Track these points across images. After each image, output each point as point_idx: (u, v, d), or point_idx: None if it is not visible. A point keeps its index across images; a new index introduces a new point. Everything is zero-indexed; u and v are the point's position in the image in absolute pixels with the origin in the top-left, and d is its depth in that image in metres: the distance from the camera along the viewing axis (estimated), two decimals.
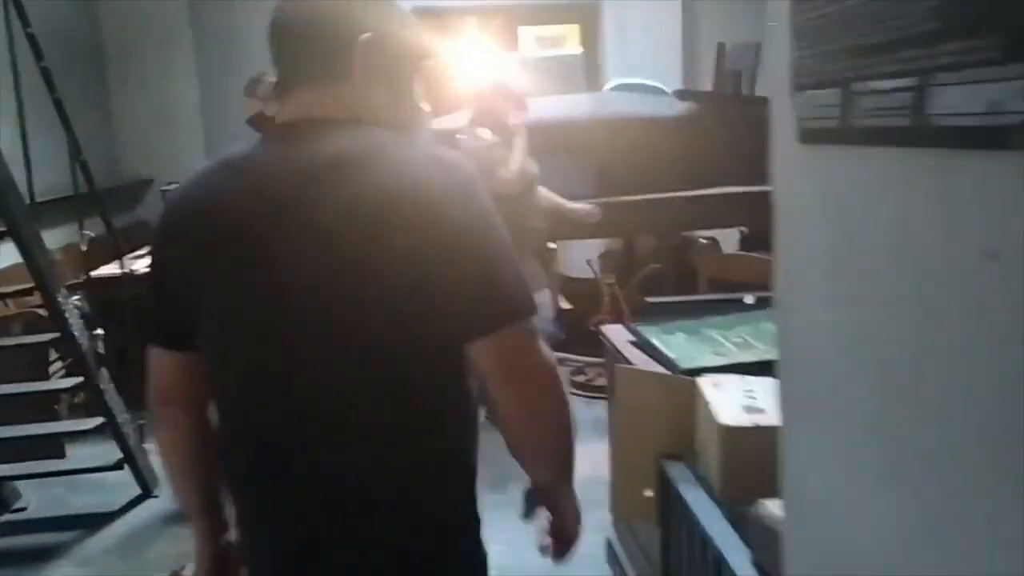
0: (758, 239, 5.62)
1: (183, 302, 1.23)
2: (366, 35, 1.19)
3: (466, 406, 1.25)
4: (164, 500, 3.69)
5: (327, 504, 1.20)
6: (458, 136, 3.68)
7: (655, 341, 2.34)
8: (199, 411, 1.32)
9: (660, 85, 5.64)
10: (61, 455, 4.02)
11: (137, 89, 6.54)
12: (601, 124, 5.03)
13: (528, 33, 7.36)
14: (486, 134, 3.57)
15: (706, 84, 6.00)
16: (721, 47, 5.02)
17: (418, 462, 1.20)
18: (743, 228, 5.53)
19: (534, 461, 1.32)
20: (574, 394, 4.32)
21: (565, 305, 5.14)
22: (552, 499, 1.38)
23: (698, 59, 6.97)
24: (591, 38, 7.07)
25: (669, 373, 2.11)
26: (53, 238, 4.88)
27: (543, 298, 3.56)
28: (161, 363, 1.30)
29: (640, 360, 2.30)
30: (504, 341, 1.16)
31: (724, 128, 5.11)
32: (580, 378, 4.74)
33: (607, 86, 5.71)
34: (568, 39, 7.29)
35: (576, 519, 1.39)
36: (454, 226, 1.13)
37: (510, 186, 3.38)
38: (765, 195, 0.94)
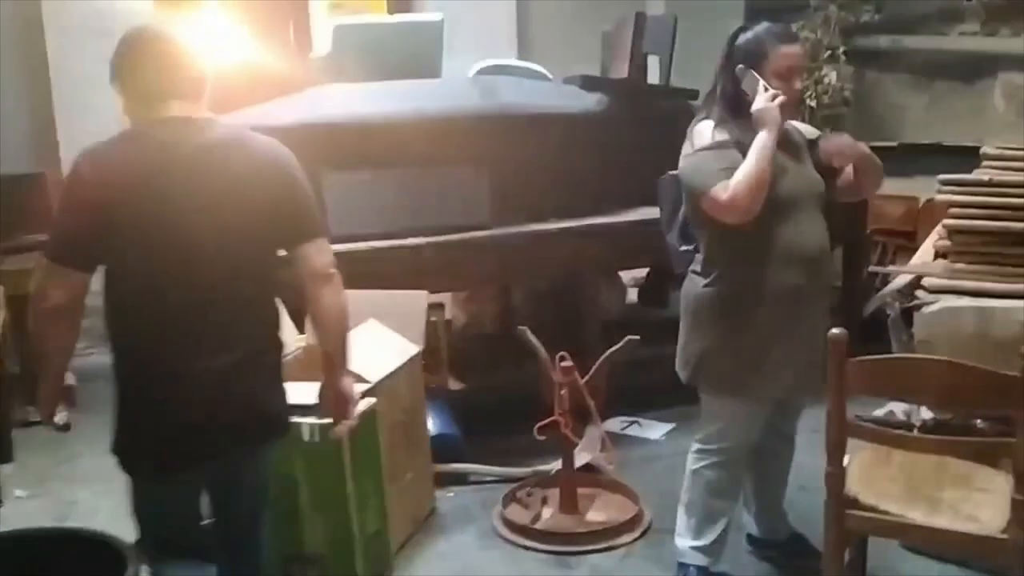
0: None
1: (100, 234, 1.79)
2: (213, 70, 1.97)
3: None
4: None
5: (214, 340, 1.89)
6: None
7: None
8: (79, 318, 1.87)
9: (538, 68, 4.25)
10: None
11: None
12: (494, 122, 3.56)
13: None
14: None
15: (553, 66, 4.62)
16: (641, 18, 3.77)
17: (266, 321, 2.01)
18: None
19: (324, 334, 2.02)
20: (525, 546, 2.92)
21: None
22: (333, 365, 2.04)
23: (531, 32, 5.74)
24: (399, 6, 5.62)
25: None
26: None
27: None
28: (66, 280, 1.81)
29: None
30: (317, 246, 1.97)
31: (643, 131, 3.87)
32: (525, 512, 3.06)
33: (472, 69, 4.24)
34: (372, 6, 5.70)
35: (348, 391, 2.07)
36: (294, 178, 1.95)
37: None
38: None
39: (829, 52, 5.12)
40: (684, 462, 2.55)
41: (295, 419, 2.17)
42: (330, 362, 2.01)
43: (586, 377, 2.91)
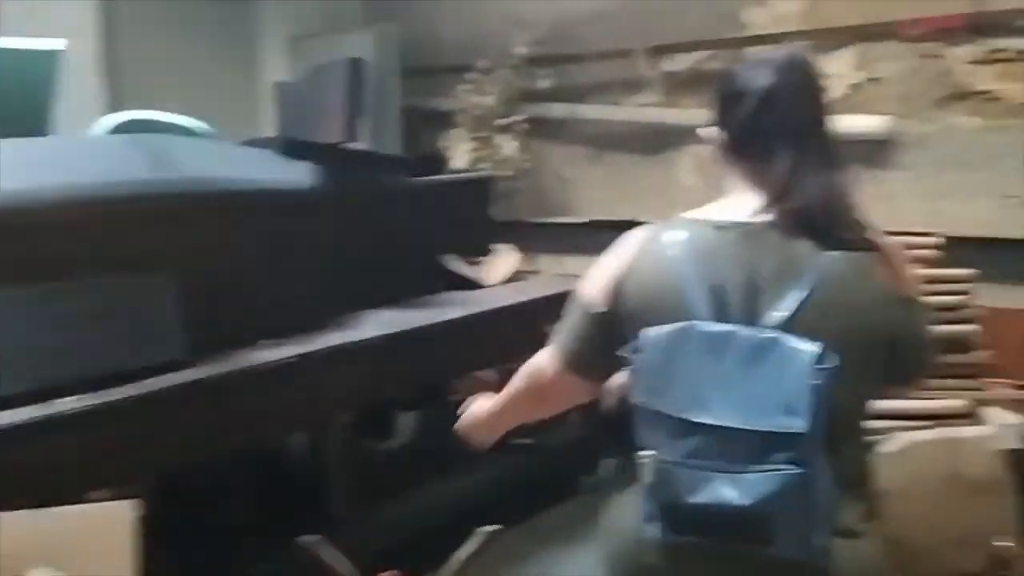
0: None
1: None
2: None
3: None
4: None
5: None
6: None
7: None
8: None
9: (203, 126, 3.06)
10: None
11: None
12: (177, 203, 2.38)
13: None
14: None
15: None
16: (359, 67, 2.71)
17: None
18: None
19: None
20: None
21: None
22: None
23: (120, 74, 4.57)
24: None
25: None
26: None
27: None
28: None
29: None
30: None
31: (372, 213, 3.00)
32: None
33: (102, 125, 2.87)
34: None
35: None
36: None
37: None
38: None
39: (507, 121, 4.58)
40: None
41: None
42: None
43: None
